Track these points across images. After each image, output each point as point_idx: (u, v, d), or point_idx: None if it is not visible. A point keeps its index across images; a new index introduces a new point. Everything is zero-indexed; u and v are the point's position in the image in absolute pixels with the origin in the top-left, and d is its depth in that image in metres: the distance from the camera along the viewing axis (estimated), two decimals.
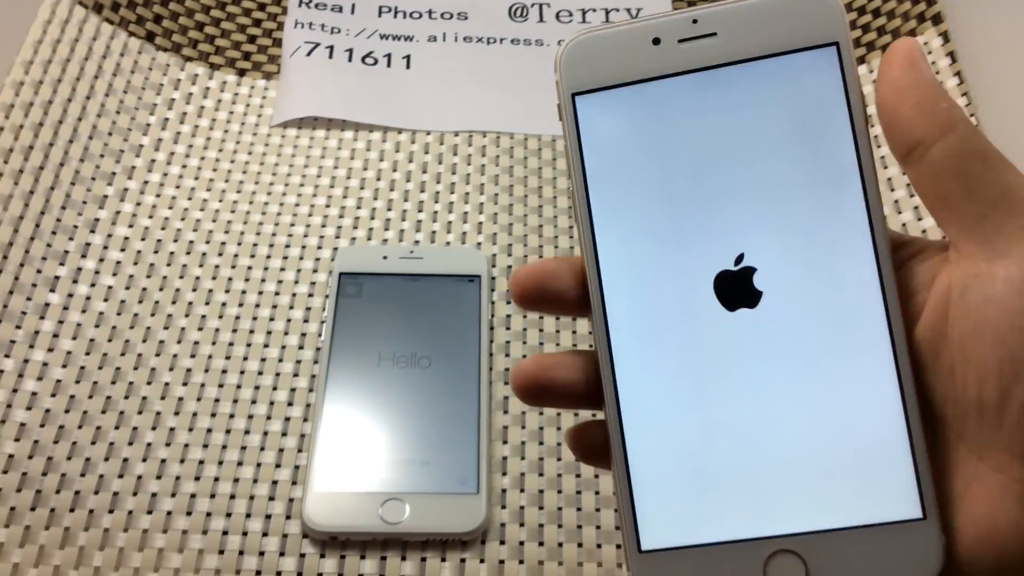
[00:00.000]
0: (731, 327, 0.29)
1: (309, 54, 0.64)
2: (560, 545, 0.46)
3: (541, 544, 0.46)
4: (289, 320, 0.52)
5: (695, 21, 0.29)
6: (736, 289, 0.29)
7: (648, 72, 0.30)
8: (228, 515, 0.46)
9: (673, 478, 0.29)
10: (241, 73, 0.64)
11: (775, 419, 0.28)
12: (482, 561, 0.45)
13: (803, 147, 0.29)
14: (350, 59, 0.64)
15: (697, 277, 0.29)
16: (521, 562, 0.45)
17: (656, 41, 0.30)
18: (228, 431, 0.48)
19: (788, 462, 0.28)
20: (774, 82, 0.29)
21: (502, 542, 0.46)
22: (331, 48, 0.65)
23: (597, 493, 0.47)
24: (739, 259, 0.29)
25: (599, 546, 0.46)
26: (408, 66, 0.65)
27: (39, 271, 0.51)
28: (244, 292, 0.53)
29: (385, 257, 0.54)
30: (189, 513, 0.45)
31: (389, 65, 0.65)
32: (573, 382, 0.30)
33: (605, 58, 0.30)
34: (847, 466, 0.28)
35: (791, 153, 0.29)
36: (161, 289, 0.52)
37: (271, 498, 0.46)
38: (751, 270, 0.29)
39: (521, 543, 0.46)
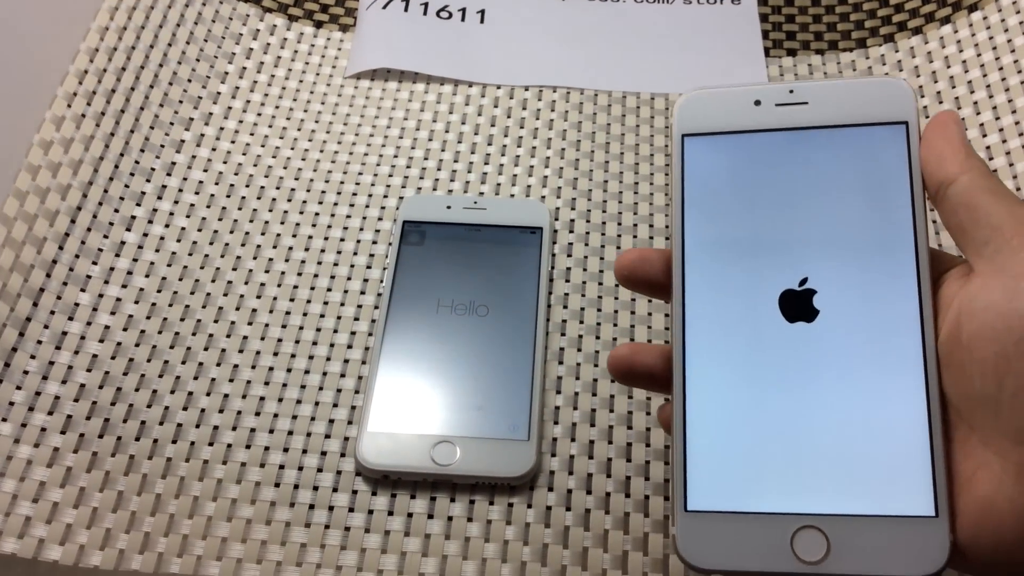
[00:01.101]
0: (788, 336, 0.34)
1: (385, 7, 0.64)
2: (608, 495, 0.46)
3: (589, 493, 0.46)
4: (353, 266, 0.53)
5: (791, 91, 0.36)
6: (797, 306, 0.35)
7: (747, 126, 0.37)
8: (285, 450, 0.47)
9: (722, 452, 0.34)
10: (318, 25, 0.65)
11: (815, 414, 0.33)
12: (530, 506, 0.46)
13: (867, 200, 0.35)
14: (425, 12, 0.65)
15: (765, 292, 0.35)
16: (568, 509, 0.46)
17: (757, 103, 0.37)
18: (289, 370, 0.49)
19: (823, 451, 0.33)
20: (850, 147, 0.36)
21: (550, 488, 0.46)
22: (407, 1, 0.65)
23: (647, 446, 0.47)
24: (803, 281, 0.35)
25: (647, 497, 0.46)
26: (482, 20, 0.65)
27: (116, 210, 0.53)
28: (311, 237, 0.54)
29: (449, 207, 0.54)
30: (248, 446, 0.47)
31: (464, 19, 0.65)
32: (656, 368, 0.38)
33: (713, 110, 0.37)
34: (874, 461, 0.33)
35: (857, 204, 0.35)
36: (231, 232, 0.54)
37: (327, 436, 0.47)
38: (812, 292, 0.35)
39: (569, 491, 0.46)
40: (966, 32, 0.60)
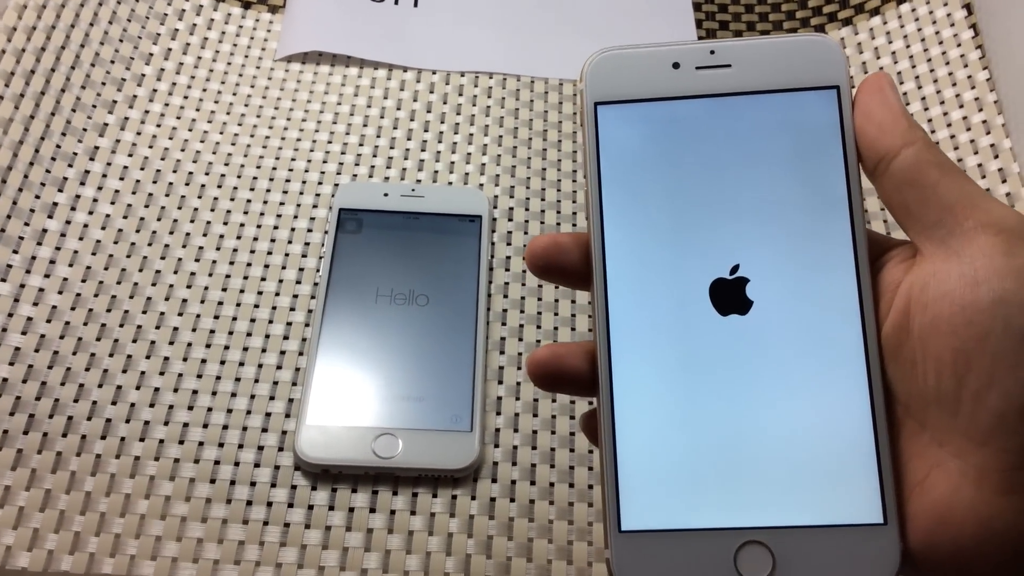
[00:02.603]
0: (722, 331, 0.31)
1: None
2: (552, 485, 0.46)
3: (533, 483, 0.46)
4: (287, 255, 0.52)
5: (712, 52, 0.33)
6: (729, 297, 0.32)
7: (666, 92, 0.33)
8: (220, 445, 0.46)
9: (657, 465, 0.31)
10: (247, 6, 0.63)
11: (755, 419, 0.31)
12: (473, 498, 0.45)
13: (799, 174, 0.32)
14: None
15: (694, 282, 0.32)
16: (512, 500, 0.45)
17: (676, 65, 0.33)
18: (223, 362, 0.48)
19: (765, 459, 0.30)
20: (778, 114, 0.32)
21: (494, 480, 0.46)
22: None
23: None
24: (734, 269, 0.32)
25: (590, 487, 0.46)
26: (416, 4, 0.64)
27: (37, 196, 0.51)
28: (243, 225, 0.53)
29: (386, 194, 0.53)
30: (182, 442, 0.45)
31: (397, 2, 0.64)
32: (582, 371, 0.32)
33: (628, 74, 0.33)
34: (818, 468, 0.30)
35: (788, 178, 0.32)
36: (159, 219, 0.52)
37: (264, 430, 0.46)
38: (744, 280, 0.31)
39: (513, 482, 0.46)
40: (895, 24, 0.61)
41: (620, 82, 0.33)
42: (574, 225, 0.54)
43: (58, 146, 0.52)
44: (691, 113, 0.33)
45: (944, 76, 0.57)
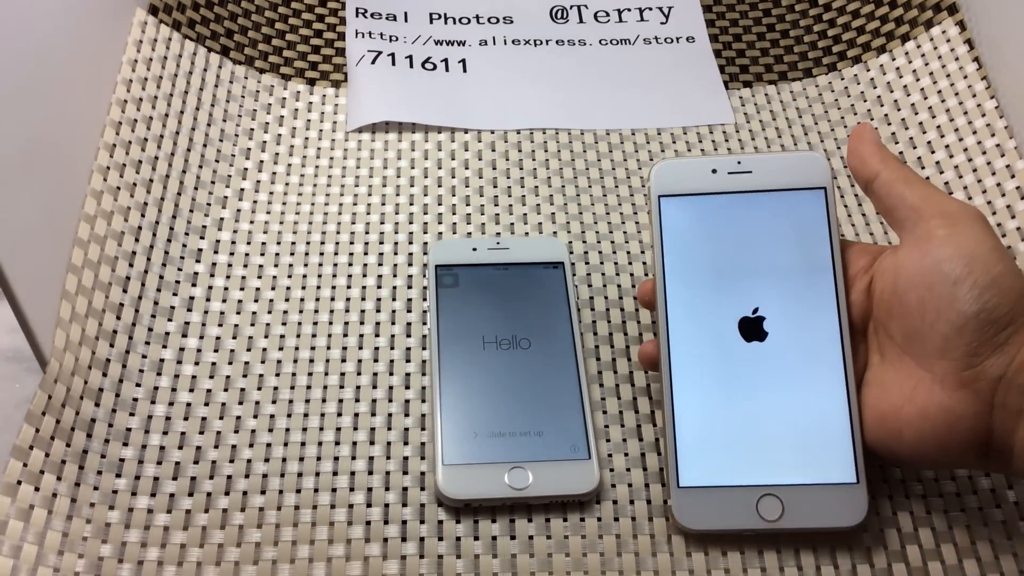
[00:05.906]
0: (746, 353, 0.48)
1: (374, 62, 0.68)
2: (665, 502, 0.51)
3: (649, 502, 0.51)
4: (394, 311, 0.57)
5: (739, 163, 0.50)
6: (751, 329, 0.48)
7: (707, 189, 0.50)
8: (369, 490, 0.50)
9: (703, 442, 0.47)
10: (311, 83, 0.68)
11: (770, 410, 0.47)
12: (599, 519, 0.50)
13: (799, 245, 0.48)
14: (411, 65, 0.69)
15: (726, 319, 0.48)
16: (633, 519, 0.50)
17: (714, 171, 0.50)
18: (356, 414, 0.53)
19: (776, 438, 0.46)
20: (785, 204, 0.49)
21: (614, 501, 0.51)
22: (392, 55, 0.69)
23: None
24: (755, 310, 0.48)
25: None
26: (465, 69, 0.70)
27: (162, 275, 0.55)
28: (349, 287, 0.57)
29: (474, 249, 0.58)
30: (334, 490, 0.50)
31: (447, 69, 0.69)
32: None
33: (680, 176, 0.50)
34: (813, 444, 0.46)
35: (791, 248, 0.48)
36: (273, 288, 0.57)
37: (404, 472, 0.51)
38: (762, 318, 0.48)
39: (631, 502, 0.51)
40: (903, 60, 0.68)
41: (675, 181, 0.50)
42: (644, 263, 0.60)
43: (171, 228, 0.57)
44: (725, 204, 0.49)
45: (955, 106, 0.64)
